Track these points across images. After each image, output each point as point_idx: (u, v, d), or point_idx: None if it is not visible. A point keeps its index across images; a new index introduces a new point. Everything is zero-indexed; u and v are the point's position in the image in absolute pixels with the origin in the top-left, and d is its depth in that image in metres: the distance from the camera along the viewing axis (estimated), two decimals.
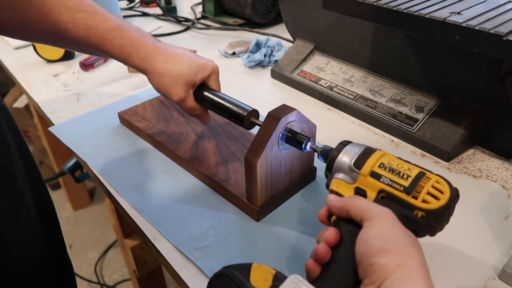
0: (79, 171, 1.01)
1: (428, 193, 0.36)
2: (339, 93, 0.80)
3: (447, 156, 0.65)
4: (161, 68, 0.55)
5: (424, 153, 0.67)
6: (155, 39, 0.57)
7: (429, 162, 0.65)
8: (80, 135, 0.73)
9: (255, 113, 0.56)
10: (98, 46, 0.53)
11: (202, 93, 0.58)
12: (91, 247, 1.73)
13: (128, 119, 0.73)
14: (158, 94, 0.80)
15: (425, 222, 0.36)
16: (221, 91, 0.59)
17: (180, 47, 0.59)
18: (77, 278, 1.52)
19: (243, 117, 0.55)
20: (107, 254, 1.70)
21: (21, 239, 0.49)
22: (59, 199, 1.96)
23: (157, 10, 1.36)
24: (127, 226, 1.00)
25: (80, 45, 0.54)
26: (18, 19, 0.50)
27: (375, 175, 0.39)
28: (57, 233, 0.60)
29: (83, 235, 1.79)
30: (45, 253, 0.54)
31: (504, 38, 0.48)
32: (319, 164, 0.60)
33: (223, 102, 0.57)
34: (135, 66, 0.56)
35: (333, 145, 0.48)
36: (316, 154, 0.49)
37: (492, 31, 0.50)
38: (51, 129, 0.76)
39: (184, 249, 0.50)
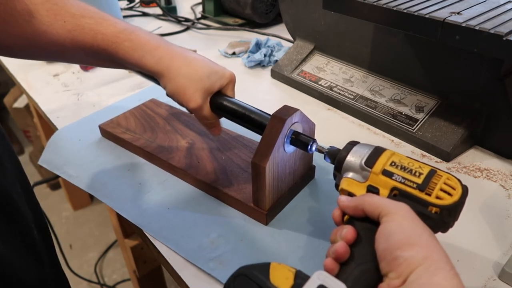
0: None
1: (441, 190, 0.37)
2: (339, 93, 0.80)
3: (447, 156, 0.65)
4: (178, 72, 0.51)
5: (424, 153, 0.67)
6: (168, 41, 0.54)
7: (429, 162, 0.65)
8: (60, 152, 0.69)
9: None
10: (107, 51, 0.50)
11: (221, 102, 0.54)
12: (91, 247, 1.73)
13: (111, 132, 0.69)
14: (138, 104, 0.77)
15: (439, 218, 0.36)
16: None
17: (195, 52, 0.54)
18: (77, 278, 1.52)
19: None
20: (107, 254, 1.70)
21: (28, 263, 0.47)
22: (59, 199, 1.96)
23: (157, 10, 1.36)
24: (127, 226, 1.00)
25: (88, 54, 0.51)
26: (21, 35, 0.47)
27: (387, 173, 0.39)
28: (55, 251, 0.58)
29: (83, 235, 1.79)
30: (50, 274, 0.52)
31: (504, 38, 0.48)
32: (318, 163, 0.60)
33: (245, 112, 0.53)
34: (149, 70, 0.52)
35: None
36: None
37: (492, 31, 0.50)
38: (40, 162, 0.69)
39: (197, 262, 0.49)
